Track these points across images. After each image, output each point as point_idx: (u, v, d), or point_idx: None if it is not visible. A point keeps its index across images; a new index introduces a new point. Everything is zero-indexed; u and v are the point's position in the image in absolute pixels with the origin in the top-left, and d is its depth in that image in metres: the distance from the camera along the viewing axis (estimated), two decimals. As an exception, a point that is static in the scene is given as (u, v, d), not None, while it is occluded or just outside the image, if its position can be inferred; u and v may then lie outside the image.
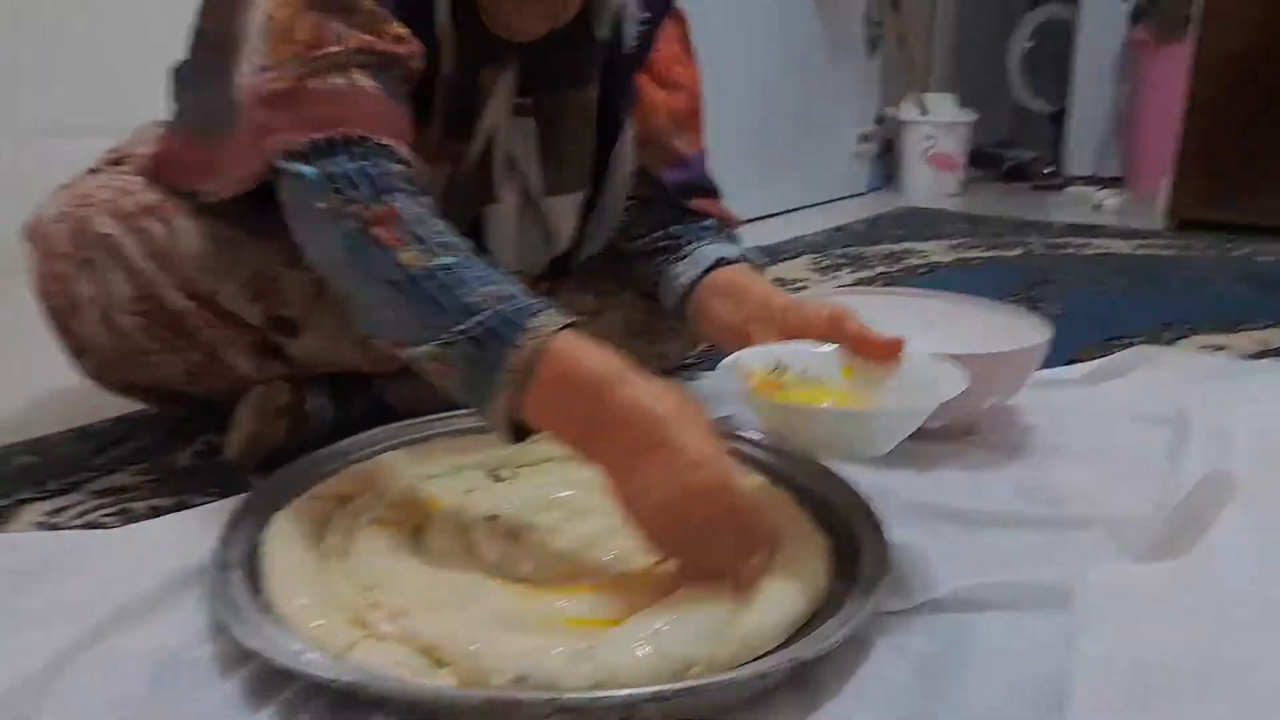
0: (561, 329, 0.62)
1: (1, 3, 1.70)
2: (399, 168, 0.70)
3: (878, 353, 0.75)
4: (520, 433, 0.65)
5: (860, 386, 0.75)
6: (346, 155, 0.68)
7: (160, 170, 0.85)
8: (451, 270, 0.65)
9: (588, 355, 0.62)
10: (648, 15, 0.94)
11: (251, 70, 0.73)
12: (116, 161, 0.90)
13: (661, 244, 0.98)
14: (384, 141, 0.70)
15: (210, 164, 0.80)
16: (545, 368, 0.61)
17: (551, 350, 0.61)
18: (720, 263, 0.93)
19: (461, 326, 0.62)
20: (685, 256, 0.95)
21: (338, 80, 0.71)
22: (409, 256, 0.65)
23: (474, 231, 0.90)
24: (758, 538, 0.62)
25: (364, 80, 0.71)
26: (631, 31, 0.94)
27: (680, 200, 0.99)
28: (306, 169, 0.69)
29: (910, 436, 0.92)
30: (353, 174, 0.68)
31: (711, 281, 0.92)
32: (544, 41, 0.85)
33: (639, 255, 1.00)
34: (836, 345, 0.77)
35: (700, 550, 0.60)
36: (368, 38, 0.72)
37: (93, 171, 0.90)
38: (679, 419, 0.59)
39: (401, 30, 0.74)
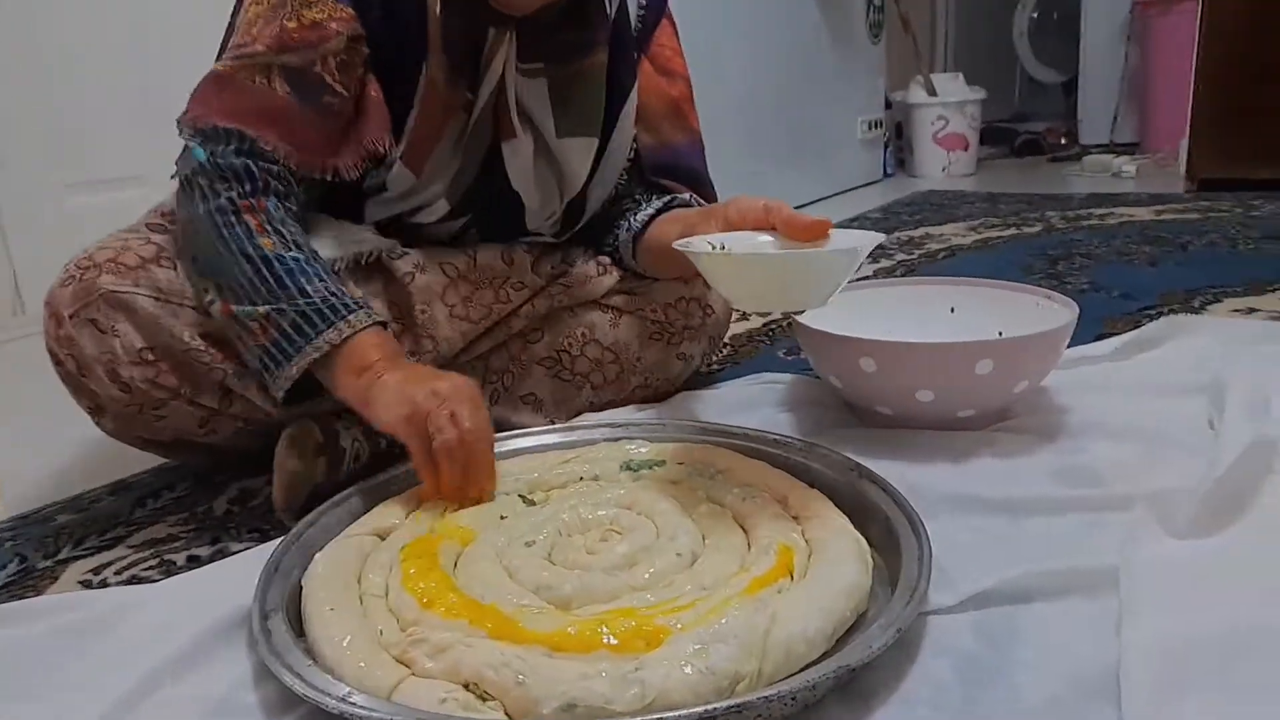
0: (370, 325, 0.81)
1: (32, 60, 1.73)
2: (275, 167, 0.84)
3: (807, 232, 0.78)
4: (293, 393, 0.82)
5: None
6: (234, 149, 0.82)
7: None
8: (299, 261, 0.81)
9: (382, 345, 0.80)
10: (645, 3, 1.03)
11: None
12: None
13: (624, 206, 1.05)
14: (268, 145, 0.83)
15: None
16: (347, 347, 0.79)
17: (356, 337, 0.80)
18: (672, 203, 1.02)
19: (297, 301, 0.79)
20: (640, 209, 1.03)
21: (260, 79, 0.84)
22: (268, 241, 0.81)
23: (495, 166, 0.96)
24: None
25: (280, 85, 0.84)
26: (633, 13, 1.01)
27: (652, 178, 1.05)
28: (198, 148, 0.83)
29: (942, 427, 0.92)
30: (239, 168, 0.82)
31: (661, 217, 1.00)
32: (547, 14, 0.89)
33: (599, 218, 1.06)
34: (773, 235, 0.80)
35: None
36: (290, 25, 0.84)
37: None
38: (406, 383, 0.77)
39: (322, 13, 0.85)
